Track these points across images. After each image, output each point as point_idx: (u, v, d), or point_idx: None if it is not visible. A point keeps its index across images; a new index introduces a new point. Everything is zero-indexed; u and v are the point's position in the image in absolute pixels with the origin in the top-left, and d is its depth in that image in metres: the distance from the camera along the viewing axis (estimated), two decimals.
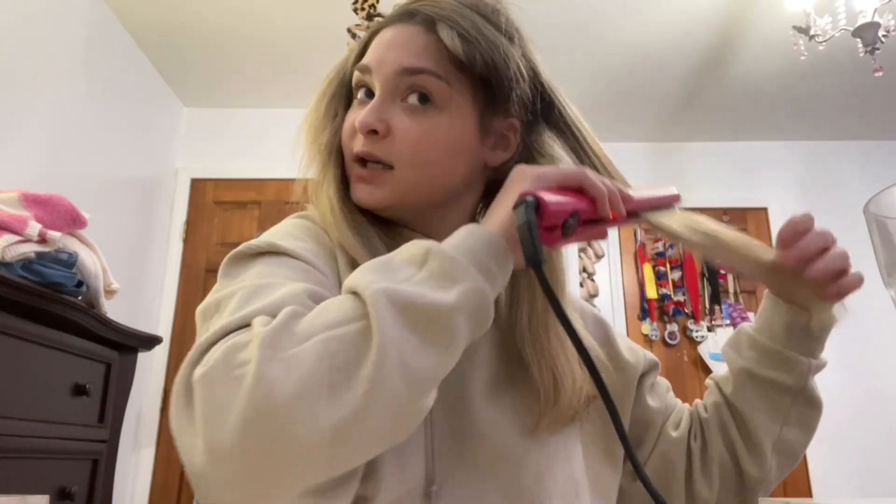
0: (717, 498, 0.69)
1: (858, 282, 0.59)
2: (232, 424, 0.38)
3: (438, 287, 0.44)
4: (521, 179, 0.53)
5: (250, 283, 0.50)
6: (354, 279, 0.45)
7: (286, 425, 0.38)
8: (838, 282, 0.59)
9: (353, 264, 0.58)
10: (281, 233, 0.59)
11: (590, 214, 0.53)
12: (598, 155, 0.65)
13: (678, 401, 0.78)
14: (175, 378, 0.43)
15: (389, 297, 0.42)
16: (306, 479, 0.41)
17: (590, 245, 3.30)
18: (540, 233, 0.48)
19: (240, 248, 0.56)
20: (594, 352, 0.66)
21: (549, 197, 0.49)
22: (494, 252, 0.48)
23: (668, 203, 0.62)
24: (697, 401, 0.77)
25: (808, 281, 0.59)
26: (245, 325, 0.44)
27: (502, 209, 0.51)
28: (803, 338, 0.65)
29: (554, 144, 0.67)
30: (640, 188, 0.61)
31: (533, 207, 0.48)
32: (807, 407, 0.67)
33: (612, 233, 3.58)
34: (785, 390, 0.66)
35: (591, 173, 0.53)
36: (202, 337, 0.44)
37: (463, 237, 0.49)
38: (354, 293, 0.44)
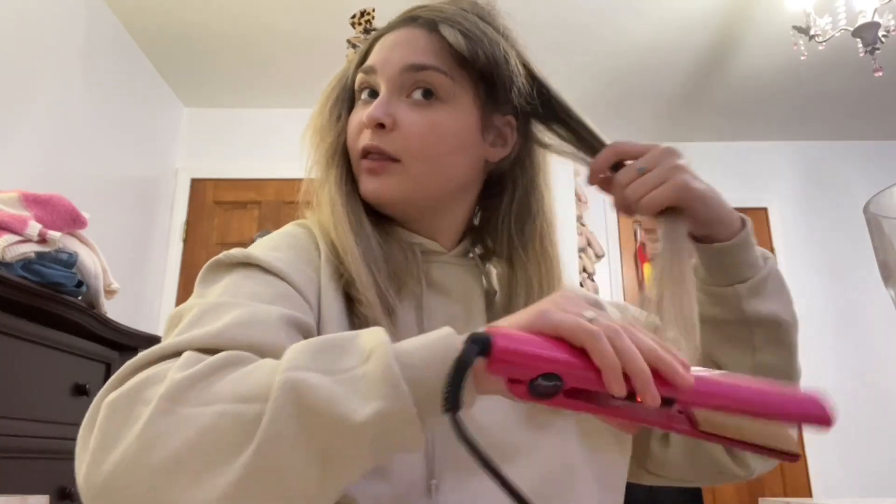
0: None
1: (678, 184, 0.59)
2: (111, 462, 0.39)
3: (360, 396, 0.39)
4: (537, 306, 0.43)
5: (209, 301, 0.50)
6: (290, 352, 0.42)
7: (151, 487, 0.39)
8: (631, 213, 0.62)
9: (339, 274, 0.59)
10: (265, 243, 0.60)
11: (592, 384, 0.39)
12: (600, 142, 0.66)
13: None
14: (101, 388, 0.44)
15: (296, 393, 0.38)
16: None
17: (590, 245, 3.30)
18: (506, 381, 0.39)
19: (219, 256, 0.57)
20: None
21: (514, 343, 0.38)
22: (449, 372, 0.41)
23: (791, 418, 0.42)
24: None
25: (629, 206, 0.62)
26: (178, 352, 0.45)
27: (496, 324, 0.44)
28: (719, 267, 0.63)
29: (550, 137, 0.69)
30: (730, 375, 0.42)
31: (474, 351, 0.38)
32: (762, 327, 0.64)
33: (612, 232, 3.60)
34: (729, 323, 0.64)
35: (619, 334, 0.39)
36: (139, 356, 0.45)
37: (429, 342, 0.42)
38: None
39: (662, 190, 0.59)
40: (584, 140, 0.67)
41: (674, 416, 0.42)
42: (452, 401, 0.38)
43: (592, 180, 0.65)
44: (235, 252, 0.56)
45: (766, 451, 0.43)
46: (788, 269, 3.42)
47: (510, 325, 0.42)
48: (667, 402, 0.39)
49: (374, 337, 0.42)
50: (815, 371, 3.27)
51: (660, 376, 0.39)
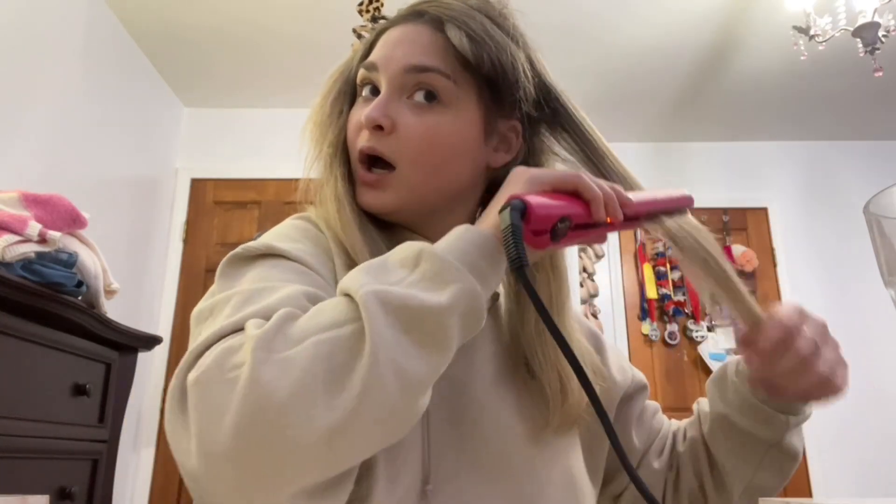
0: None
1: (837, 394, 0.58)
2: (227, 427, 0.38)
3: (430, 288, 0.44)
4: (516, 181, 0.52)
5: (246, 288, 0.50)
6: (348, 281, 0.45)
7: (281, 427, 0.38)
8: (814, 389, 0.59)
9: (351, 265, 0.58)
10: (279, 235, 0.59)
11: (584, 219, 0.51)
12: (606, 154, 0.65)
13: (664, 421, 0.78)
14: (170, 382, 0.43)
15: (381, 299, 0.42)
16: (301, 480, 0.41)
17: (590, 245, 3.30)
18: (527, 236, 0.47)
19: (237, 250, 0.55)
20: (588, 357, 0.67)
21: (538, 200, 0.48)
22: (486, 253, 0.48)
23: (675, 207, 0.59)
24: (680, 425, 0.77)
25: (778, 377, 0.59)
26: (238, 328, 0.44)
27: (496, 210, 0.51)
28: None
29: (558, 146, 0.67)
30: (648, 191, 0.59)
31: (518, 211, 0.47)
32: (782, 457, 0.66)
33: (612, 233, 3.59)
34: (760, 442, 0.65)
35: (587, 176, 0.52)
36: (196, 341, 0.44)
37: (455, 238, 0.49)
38: (348, 295, 0.44)
39: (833, 382, 0.58)
40: (590, 152, 0.65)
41: (638, 223, 0.57)
42: (521, 258, 0.45)
43: (753, 356, 0.60)
44: (255, 244, 0.55)
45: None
46: (788, 269, 3.42)
47: (518, 192, 0.50)
48: (630, 219, 0.55)
49: (409, 248, 0.48)
50: None
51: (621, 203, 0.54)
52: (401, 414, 0.43)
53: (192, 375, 0.41)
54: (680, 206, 0.60)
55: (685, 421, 0.77)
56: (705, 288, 0.58)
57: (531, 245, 0.48)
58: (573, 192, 0.52)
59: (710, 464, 0.70)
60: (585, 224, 0.52)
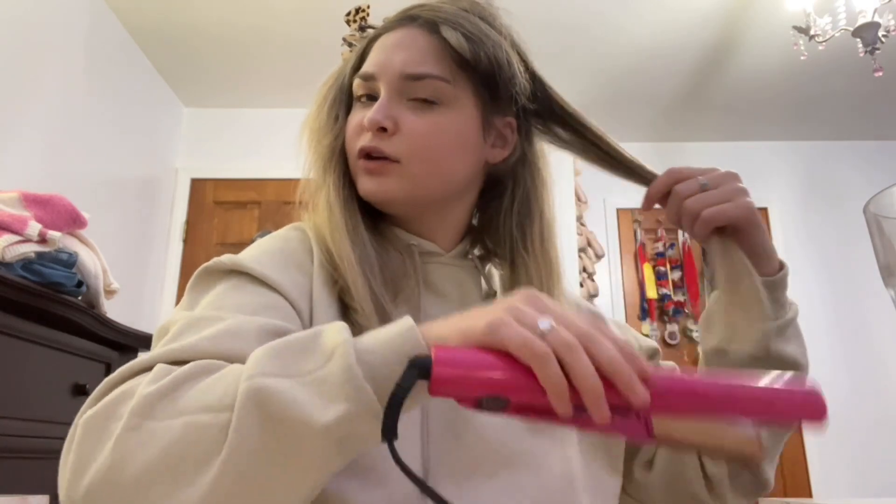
0: (727, 472, 0.68)
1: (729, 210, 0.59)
2: (87, 480, 0.40)
3: (324, 396, 0.39)
4: (491, 309, 0.41)
5: (194, 315, 0.51)
6: (253, 358, 0.41)
7: (129, 499, 0.39)
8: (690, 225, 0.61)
9: (332, 283, 0.59)
10: (257, 248, 0.60)
11: (540, 401, 0.38)
12: (601, 137, 0.66)
13: None
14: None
15: (260, 399, 0.38)
16: None
17: (590, 245, 3.30)
18: (438, 393, 0.38)
19: (210, 262, 0.57)
20: None
21: (454, 367, 0.38)
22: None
23: (780, 419, 0.41)
24: None
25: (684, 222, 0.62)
26: (151, 367, 0.45)
27: (448, 324, 0.43)
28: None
29: (553, 137, 0.69)
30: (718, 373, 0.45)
31: (416, 369, 0.38)
32: (781, 368, 0.63)
33: (612, 232, 3.60)
34: (752, 359, 0.63)
35: (572, 351, 0.38)
36: (117, 370, 0.46)
37: (392, 336, 0.41)
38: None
39: (727, 207, 0.59)
40: (586, 142, 0.67)
41: (631, 423, 0.40)
42: (387, 430, 0.37)
43: (647, 206, 0.65)
44: (225, 259, 0.56)
45: (725, 455, 0.41)
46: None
47: (463, 332, 0.41)
48: (625, 410, 0.38)
49: (336, 335, 0.42)
50: (814, 371, 3.25)
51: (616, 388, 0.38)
52: None
53: (87, 413, 0.43)
54: (791, 418, 0.39)
55: None
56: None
57: (461, 404, 0.40)
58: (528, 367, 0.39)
59: None
60: (546, 408, 0.38)
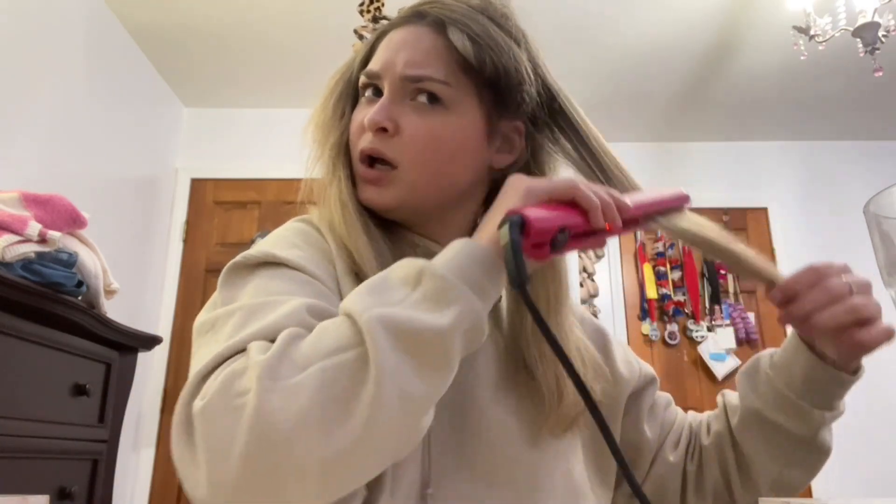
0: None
1: (884, 336, 0.55)
2: (236, 457, 0.39)
3: (432, 309, 0.44)
4: (513, 193, 0.52)
5: (248, 303, 0.50)
6: (351, 302, 0.45)
7: (290, 455, 0.39)
8: (855, 335, 0.56)
9: (352, 270, 0.59)
10: (279, 240, 0.59)
11: (583, 227, 0.51)
12: (605, 154, 0.64)
13: (678, 413, 0.77)
14: (175, 408, 0.44)
15: (384, 323, 0.42)
16: (312, 502, 0.41)
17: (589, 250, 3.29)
18: (527, 249, 0.47)
19: (237, 258, 0.55)
20: (591, 356, 0.66)
21: (536, 214, 0.48)
22: (486, 268, 0.48)
23: (672, 206, 0.59)
24: (701, 418, 0.76)
25: (817, 332, 0.58)
26: (241, 350, 0.44)
27: (492, 220, 0.51)
28: (821, 389, 0.62)
29: (558, 147, 0.67)
30: (645, 192, 0.59)
31: (518, 226, 0.46)
32: (813, 453, 0.65)
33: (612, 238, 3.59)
34: (793, 437, 0.64)
35: (583, 184, 0.51)
36: (199, 364, 0.44)
37: (454, 253, 0.48)
38: (350, 316, 0.44)
39: (877, 329, 0.56)
40: (588, 153, 0.65)
41: (637, 225, 0.57)
42: (521, 275, 0.44)
43: (784, 300, 0.59)
44: (255, 252, 0.55)
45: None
46: (788, 269, 3.40)
47: (509, 208, 0.49)
48: (628, 223, 0.54)
49: (410, 265, 0.47)
50: None
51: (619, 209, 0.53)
52: (406, 435, 0.44)
53: (197, 404, 0.41)
54: (676, 205, 0.60)
55: (707, 413, 0.76)
56: (724, 262, 0.60)
57: (532, 257, 0.48)
58: (570, 202, 0.51)
59: (738, 459, 0.68)
60: (584, 232, 0.51)
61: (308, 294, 0.51)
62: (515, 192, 0.52)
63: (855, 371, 0.61)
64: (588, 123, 0.66)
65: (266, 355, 0.41)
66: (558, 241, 0.49)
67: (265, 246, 0.57)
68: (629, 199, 0.55)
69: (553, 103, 0.65)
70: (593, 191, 0.51)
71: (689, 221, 0.59)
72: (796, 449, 0.64)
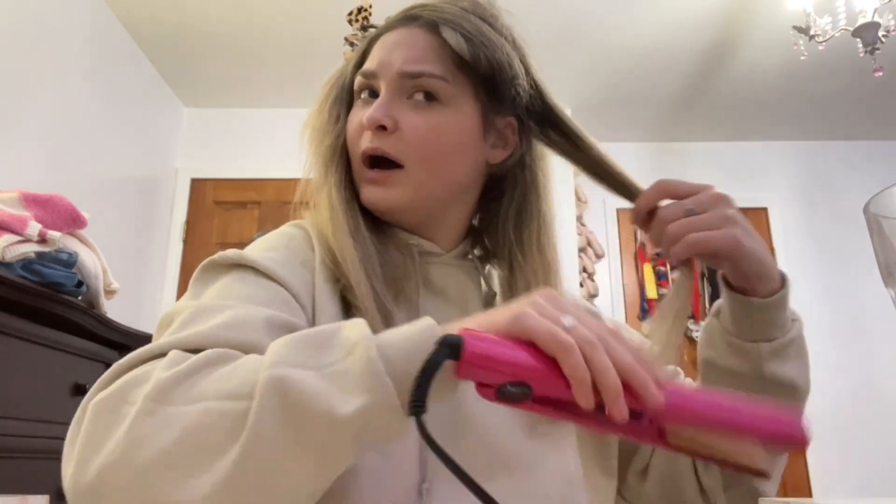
0: (722, 485, 0.67)
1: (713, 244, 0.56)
2: (96, 465, 0.39)
3: (345, 389, 0.39)
4: (515, 306, 0.43)
5: (202, 304, 0.50)
6: (275, 347, 0.42)
7: (138, 487, 0.38)
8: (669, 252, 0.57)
9: (335, 277, 0.59)
10: (261, 244, 0.60)
11: (561, 393, 0.39)
12: (590, 148, 0.66)
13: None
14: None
15: (283, 388, 0.38)
16: None
17: (590, 245, 3.30)
18: (462, 376, 0.39)
19: (214, 256, 0.56)
20: None
21: (485, 348, 0.38)
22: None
23: (765, 438, 0.41)
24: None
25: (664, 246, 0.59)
26: (164, 353, 0.44)
27: (474, 319, 0.44)
28: (746, 321, 0.60)
29: (549, 142, 0.68)
30: (734, 399, 0.42)
31: (447, 348, 0.38)
32: (777, 388, 0.61)
33: (612, 232, 3.60)
34: (744, 378, 0.62)
35: (593, 346, 0.39)
36: (125, 357, 0.45)
37: (412, 333, 0.41)
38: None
39: (711, 236, 0.56)
40: (578, 149, 0.66)
41: (643, 427, 0.41)
42: (418, 404, 0.38)
43: (637, 220, 0.61)
44: (230, 253, 0.56)
45: (735, 467, 0.42)
46: (788, 269, 3.39)
47: (486, 325, 0.42)
48: (637, 415, 0.39)
49: (356, 330, 0.42)
50: (814, 371, 3.25)
51: (632, 390, 0.38)
52: None
53: (97, 397, 0.42)
54: (778, 444, 0.42)
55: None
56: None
57: (481, 394, 0.40)
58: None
59: None
60: (565, 400, 0.39)
61: (266, 303, 0.52)
62: (515, 307, 0.42)
63: (771, 293, 0.59)
64: (572, 120, 0.67)
65: (168, 373, 0.41)
66: (507, 393, 0.39)
67: (247, 248, 0.58)
68: (681, 392, 0.41)
69: (540, 98, 0.66)
70: (599, 361, 0.39)
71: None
72: (756, 389, 0.61)
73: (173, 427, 0.39)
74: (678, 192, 0.59)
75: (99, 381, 0.44)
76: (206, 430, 0.39)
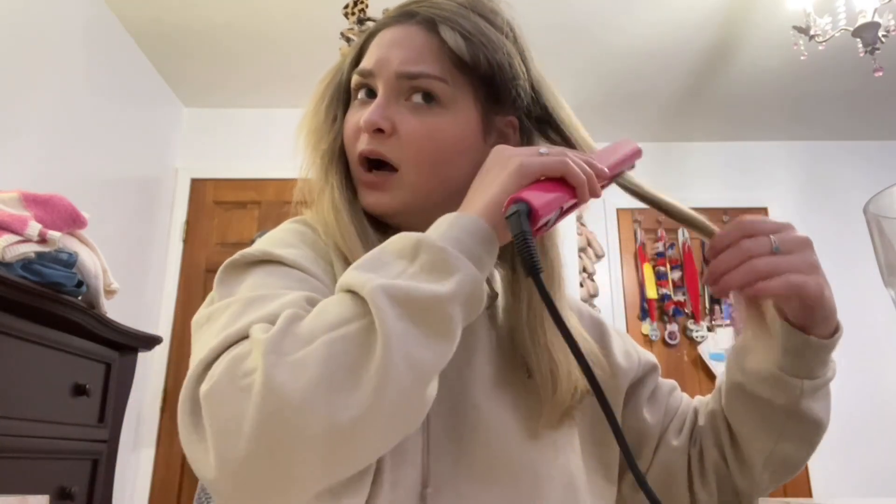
0: (718, 501, 0.68)
1: (778, 288, 0.54)
2: (246, 434, 0.39)
3: (432, 279, 0.45)
4: (500, 170, 0.52)
5: (246, 295, 0.49)
6: (349, 278, 0.45)
7: (301, 428, 0.38)
8: (754, 286, 0.55)
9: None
10: (276, 240, 0.59)
11: (571, 202, 0.53)
12: (584, 145, 0.65)
13: (683, 399, 0.76)
14: (179, 396, 0.43)
15: (388, 293, 0.42)
16: (323, 479, 0.41)
17: (590, 245, 3.30)
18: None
19: (235, 256, 0.55)
20: (589, 349, 0.66)
21: (538, 200, 0.49)
22: (480, 238, 0.48)
23: (631, 162, 0.62)
24: (699, 400, 0.76)
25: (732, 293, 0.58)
26: (244, 336, 0.44)
27: (484, 192, 0.51)
28: (796, 357, 0.60)
29: (549, 142, 0.67)
30: (607, 151, 0.61)
31: (526, 216, 0.48)
32: (803, 424, 0.63)
33: (612, 232, 3.60)
34: (777, 409, 0.62)
35: (571, 160, 0.52)
36: (202, 352, 0.44)
37: (448, 226, 0.49)
38: (351, 291, 0.44)
39: (806, 281, 0.55)
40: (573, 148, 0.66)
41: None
42: (535, 264, 0.46)
43: (712, 256, 0.58)
44: (253, 251, 0.55)
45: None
46: None
47: (499, 188, 0.50)
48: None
49: (405, 238, 0.48)
50: None
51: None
52: (415, 404, 0.44)
53: (203, 387, 0.41)
54: (634, 160, 0.63)
55: (708, 396, 0.75)
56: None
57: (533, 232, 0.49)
58: (560, 178, 0.52)
59: (731, 435, 0.68)
60: (572, 206, 0.53)
61: (305, 290, 0.51)
62: (504, 168, 0.52)
63: (830, 335, 0.59)
64: (574, 119, 0.66)
65: (269, 333, 0.41)
66: (551, 220, 0.51)
67: (261, 245, 0.57)
68: (600, 163, 0.57)
69: (541, 97, 0.65)
70: (578, 165, 0.53)
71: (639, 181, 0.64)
72: (783, 421, 0.62)
73: (307, 365, 0.40)
74: (762, 230, 0.57)
75: (190, 378, 0.43)
76: (340, 354, 0.41)
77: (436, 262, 0.45)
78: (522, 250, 0.47)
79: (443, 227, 0.49)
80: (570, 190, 0.52)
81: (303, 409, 0.38)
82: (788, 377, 0.61)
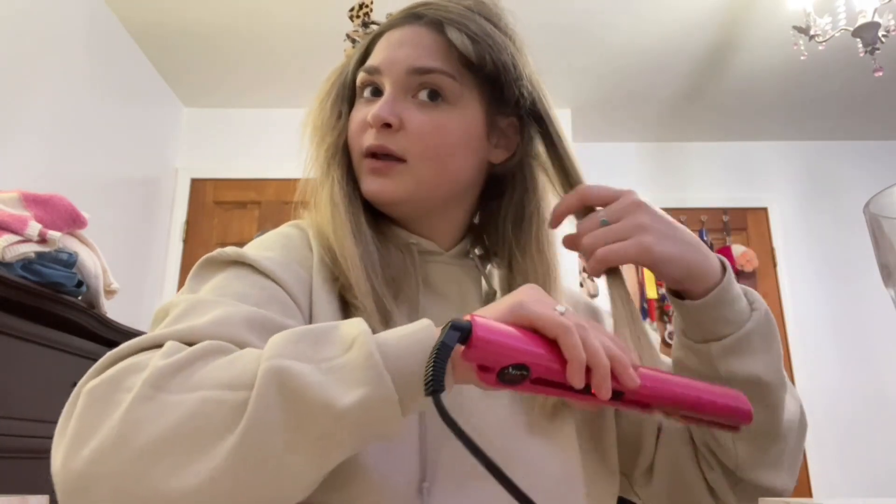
0: (721, 479, 0.65)
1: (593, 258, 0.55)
2: (89, 449, 0.39)
3: (343, 383, 0.40)
4: (511, 296, 0.46)
5: (197, 298, 0.50)
6: (274, 341, 0.42)
7: (132, 472, 0.38)
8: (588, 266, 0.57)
9: (333, 277, 0.59)
10: (259, 243, 0.60)
11: (554, 375, 0.43)
12: (569, 156, 0.65)
13: None
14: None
15: (282, 379, 0.39)
16: None
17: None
18: (467, 360, 0.41)
19: (213, 253, 0.56)
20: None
21: (493, 332, 0.41)
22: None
23: (723, 419, 0.48)
24: None
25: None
26: (158, 344, 0.44)
27: (487, 310, 0.46)
28: (692, 323, 0.59)
29: (540, 144, 0.68)
30: (694, 382, 0.48)
31: (458, 332, 0.40)
32: (740, 386, 0.58)
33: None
34: (703, 378, 0.59)
35: (579, 329, 0.43)
36: (120, 346, 0.45)
37: (409, 333, 0.43)
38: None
39: (620, 248, 0.55)
40: (560, 163, 0.65)
41: (622, 403, 0.46)
42: (436, 382, 0.39)
43: (553, 225, 0.62)
44: (229, 251, 0.56)
45: (714, 423, 0.49)
46: (788, 270, 3.41)
47: (488, 315, 0.44)
48: (617, 395, 0.44)
49: (354, 327, 0.44)
50: (815, 371, 3.27)
51: (614, 372, 0.43)
52: (259, 498, 0.40)
53: (90, 383, 0.42)
54: (731, 421, 0.48)
55: None
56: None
57: (478, 378, 0.42)
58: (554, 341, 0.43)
59: None
60: (558, 381, 0.43)
61: (262, 301, 0.52)
62: (507, 299, 0.46)
63: (705, 293, 0.57)
64: (561, 126, 0.67)
65: (166, 362, 0.41)
66: (508, 376, 0.41)
67: (246, 246, 0.58)
68: (652, 376, 0.46)
69: (537, 104, 0.66)
70: (592, 346, 0.43)
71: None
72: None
73: (171, 414, 0.39)
74: (596, 199, 0.59)
75: (92, 368, 0.44)
76: (205, 418, 0.39)
77: (356, 367, 0.40)
78: (429, 361, 0.40)
79: (404, 332, 0.43)
80: (563, 362, 0.43)
81: (142, 455, 0.38)
82: (695, 343, 0.60)
